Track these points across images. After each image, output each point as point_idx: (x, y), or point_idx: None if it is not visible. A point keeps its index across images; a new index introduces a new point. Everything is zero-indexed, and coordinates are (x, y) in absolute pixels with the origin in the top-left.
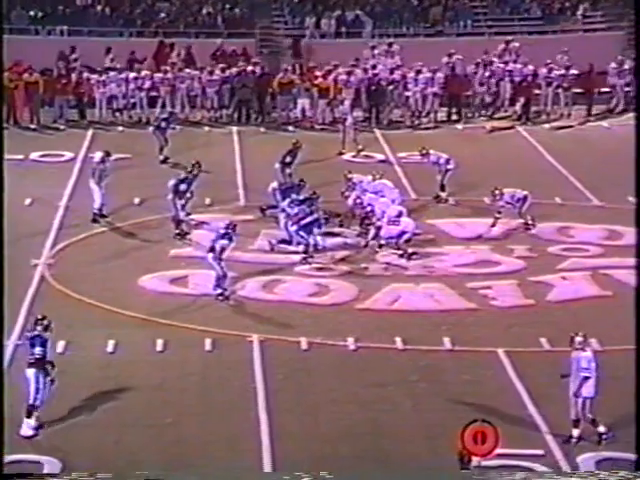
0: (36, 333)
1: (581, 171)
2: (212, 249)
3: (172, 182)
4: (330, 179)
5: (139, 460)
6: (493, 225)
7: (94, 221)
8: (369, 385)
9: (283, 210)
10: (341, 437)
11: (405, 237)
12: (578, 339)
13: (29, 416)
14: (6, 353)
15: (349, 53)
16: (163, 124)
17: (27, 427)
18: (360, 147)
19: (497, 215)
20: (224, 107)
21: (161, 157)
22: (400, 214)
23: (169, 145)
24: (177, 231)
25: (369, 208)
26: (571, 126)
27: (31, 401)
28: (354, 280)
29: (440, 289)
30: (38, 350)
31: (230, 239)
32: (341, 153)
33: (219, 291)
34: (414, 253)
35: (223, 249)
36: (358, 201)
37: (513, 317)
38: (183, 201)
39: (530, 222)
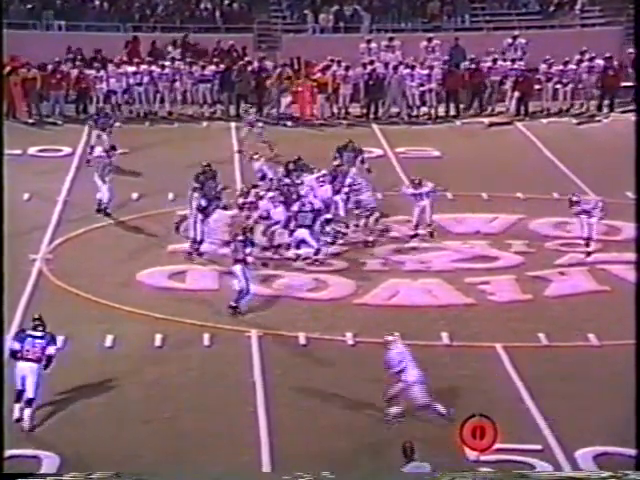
0: (47, 331)
1: (579, 166)
2: (239, 260)
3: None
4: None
5: (137, 455)
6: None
7: (98, 211)
8: (367, 380)
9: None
10: (339, 432)
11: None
12: (389, 338)
13: (29, 406)
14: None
15: (347, 48)
16: (101, 120)
17: (28, 419)
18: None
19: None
20: (218, 102)
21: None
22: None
23: (110, 138)
24: (190, 251)
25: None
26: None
27: (32, 395)
28: (352, 275)
29: (438, 284)
30: (53, 348)
31: (252, 244)
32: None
33: (234, 304)
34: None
35: (250, 255)
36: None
37: (511, 312)
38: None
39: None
